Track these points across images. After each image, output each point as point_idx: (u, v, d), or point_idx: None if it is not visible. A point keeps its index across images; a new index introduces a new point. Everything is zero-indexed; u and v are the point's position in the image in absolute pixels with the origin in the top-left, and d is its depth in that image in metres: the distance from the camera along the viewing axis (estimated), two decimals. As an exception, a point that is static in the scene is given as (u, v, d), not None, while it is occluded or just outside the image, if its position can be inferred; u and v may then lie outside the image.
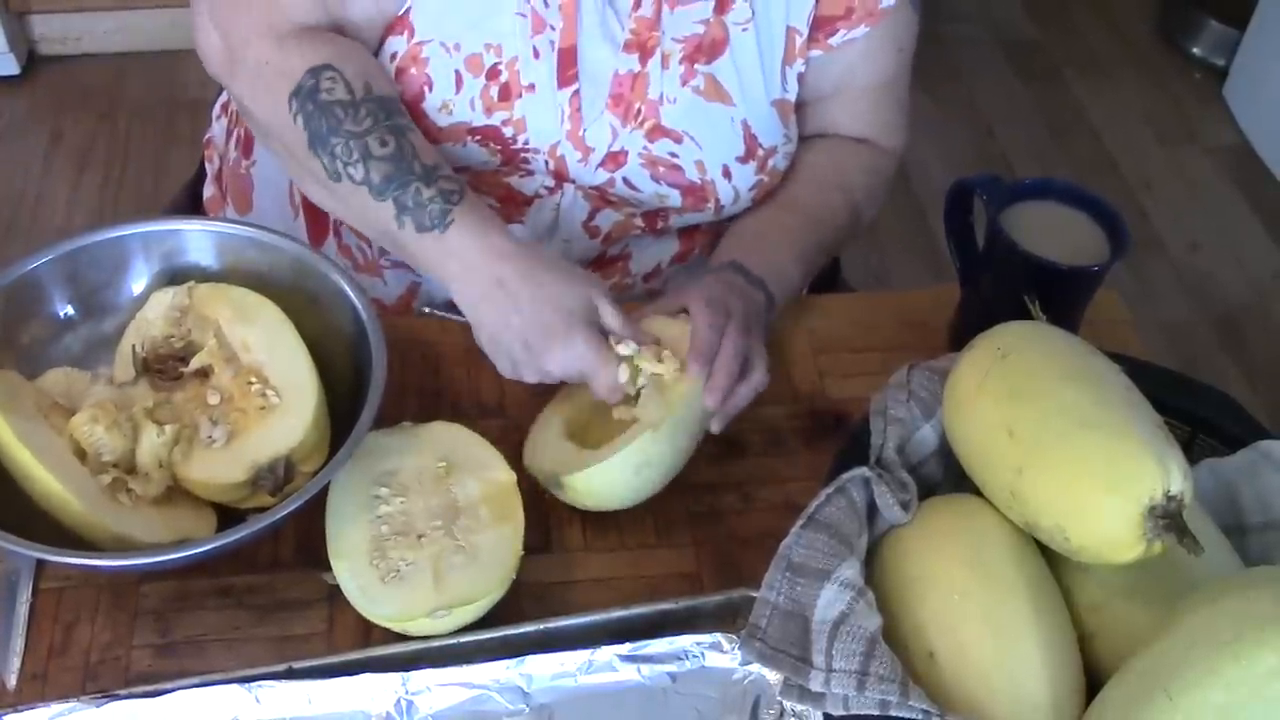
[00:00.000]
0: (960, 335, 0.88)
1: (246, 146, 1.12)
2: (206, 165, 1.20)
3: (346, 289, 0.85)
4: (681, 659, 0.74)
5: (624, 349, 0.84)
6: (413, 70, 0.93)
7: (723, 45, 0.96)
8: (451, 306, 0.91)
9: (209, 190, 1.19)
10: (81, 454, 0.79)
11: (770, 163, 1.00)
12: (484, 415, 0.90)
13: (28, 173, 2.32)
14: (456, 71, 0.93)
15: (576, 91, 0.94)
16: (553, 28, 0.93)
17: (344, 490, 0.80)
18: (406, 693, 0.72)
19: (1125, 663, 0.63)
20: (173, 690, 0.71)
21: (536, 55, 0.93)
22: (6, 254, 2.05)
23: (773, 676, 0.72)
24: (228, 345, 0.85)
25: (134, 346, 0.85)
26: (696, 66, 0.96)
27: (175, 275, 0.89)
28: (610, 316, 0.85)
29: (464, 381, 0.93)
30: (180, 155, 2.26)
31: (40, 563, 0.80)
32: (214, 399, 0.83)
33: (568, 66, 0.94)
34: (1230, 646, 0.57)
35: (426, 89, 0.93)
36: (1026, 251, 0.86)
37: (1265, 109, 2.55)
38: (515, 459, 0.84)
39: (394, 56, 0.93)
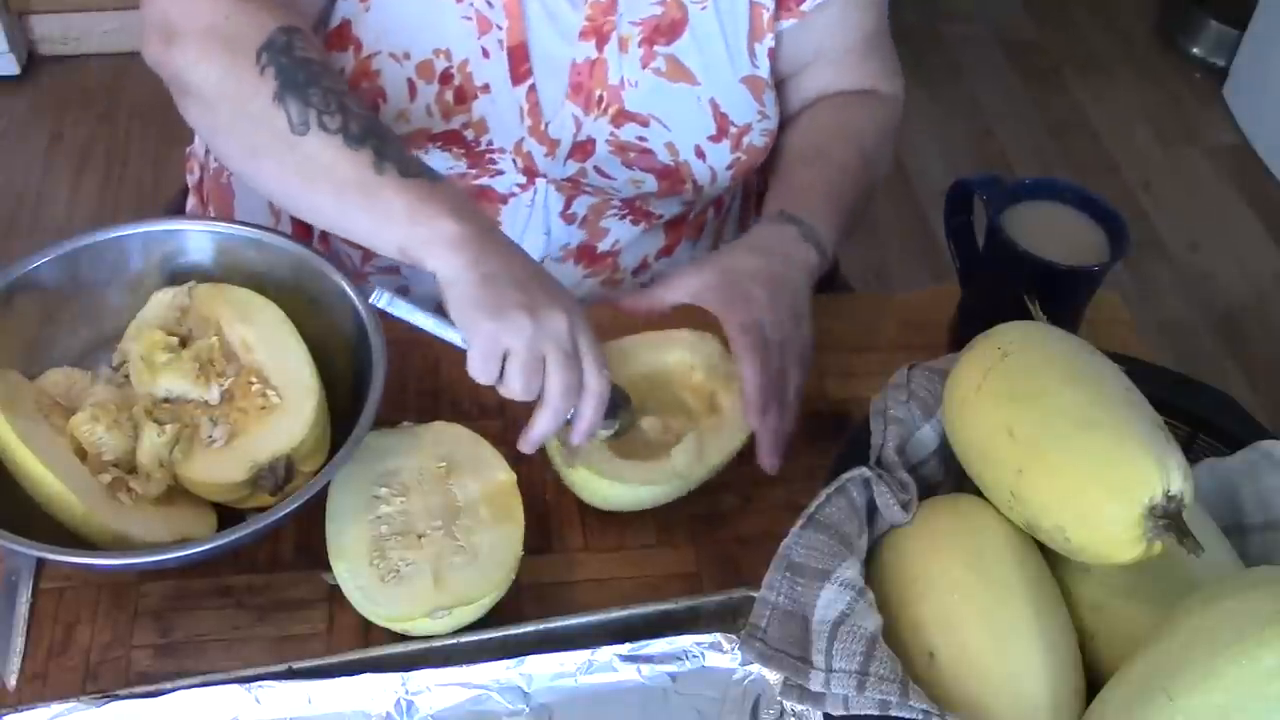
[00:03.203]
0: (960, 335, 0.88)
1: None
2: (187, 177, 1.21)
3: (346, 289, 0.85)
4: (681, 659, 0.74)
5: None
6: (364, 84, 0.92)
7: (682, 25, 0.96)
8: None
9: (190, 201, 1.19)
10: (82, 453, 0.79)
11: (745, 140, 1.00)
12: (484, 415, 0.90)
13: (28, 173, 2.32)
14: (409, 80, 0.92)
15: (532, 86, 0.94)
16: (499, 26, 0.93)
17: (344, 490, 0.80)
18: (406, 693, 0.72)
19: (1125, 663, 0.63)
20: (173, 690, 0.71)
21: (486, 55, 0.93)
22: (6, 254, 2.05)
23: (773, 676, 0.72)
24: (228, 345, 0.85)
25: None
26: (656, 48, 0.95)
27: (175, 275, 0.89)
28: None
29: (464, 381, 0.92)
30: (180, 155, 2.25)
31: (40, 562, 0.80)
32: (214, 398, 0.83)
33: (520, 63, 0.94)
34: (1230, 647, 0.57)
35: (381, 100, 0.93)
36: (1026, 251, 0.86)
37: (1265, 109, 2.55)
38: (515, 459, 0.84)
39: (341, 72, 0.92)
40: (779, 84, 1.04)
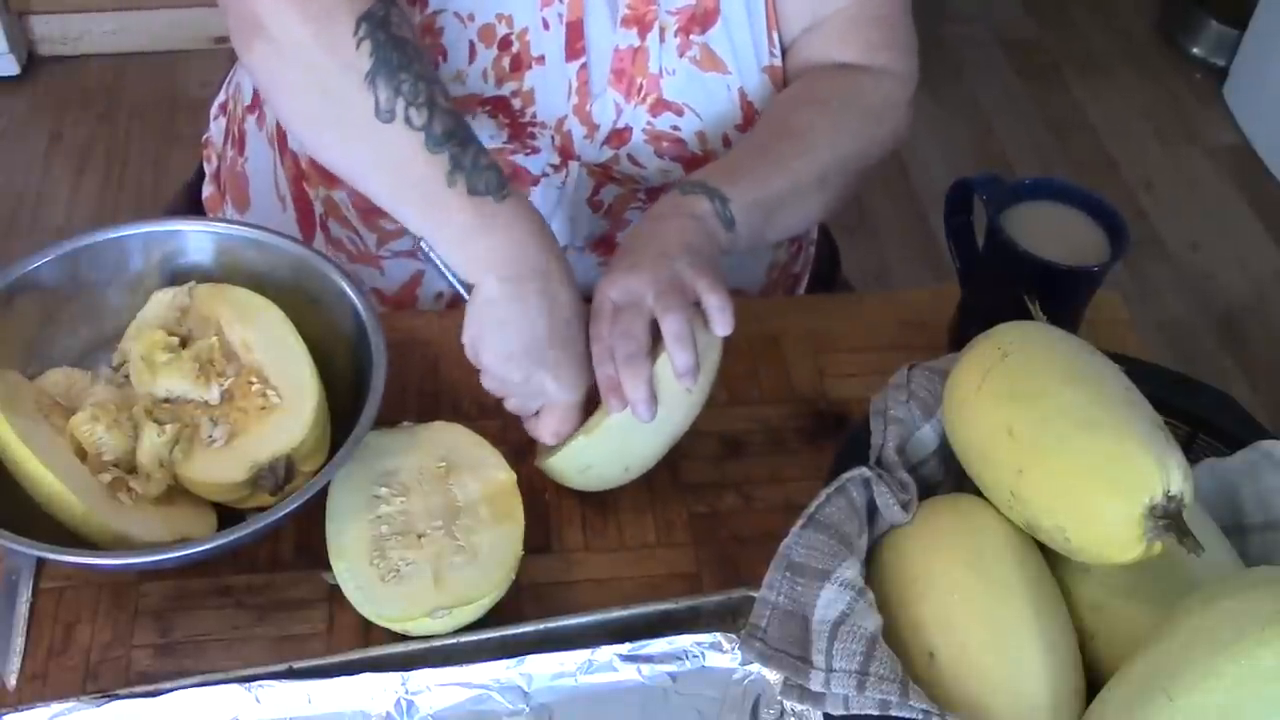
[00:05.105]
0: (960, 335, 0.88)
1: (241, 144, 1.12)
2: (205, 165, 1.21)
3: (346, 289, 0.85)
4: (681, 659, 0.74)
5: None
6: (427, 41, 0.92)
7: (714, 15, 0.96)
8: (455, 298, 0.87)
9: (208, 189, 1.19)
10: (82, 453, 0.79)
11: None
12: (484, 415, 0.90)
13: (28, 173, 2.32)
14: (470, 42, 0.93)
15: (584, 65, 0.95)
16: (561, 0, 0.93)
17: (344, 490, 0.80)
18: (406, 693, 0.72)
19: (1125, 663, 0.63)
20: (173, 690, 0.71)
21: (546, 27, 0.94)
22: (6, 254, 2.05)
23: (773, 676, 0.72)
24: (228, 345, 0.85)
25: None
26: (692, 37, 0.96)
27: (175, 275, 0.89)
28: None
29: (464, 381, 0.93)
30: (180, 155, 2.27)
31: (40, 562, 0.80)
32: (214, 398, 0.83)
33: (575, 39, 0.95)
34: (1230, 647, 0.57)
35: (441, 59, 0.93)
36: (1026, 251, 0.86)
37: (1265, 109, 2.55)
38: (515, 459, 0.84)
39: None
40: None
